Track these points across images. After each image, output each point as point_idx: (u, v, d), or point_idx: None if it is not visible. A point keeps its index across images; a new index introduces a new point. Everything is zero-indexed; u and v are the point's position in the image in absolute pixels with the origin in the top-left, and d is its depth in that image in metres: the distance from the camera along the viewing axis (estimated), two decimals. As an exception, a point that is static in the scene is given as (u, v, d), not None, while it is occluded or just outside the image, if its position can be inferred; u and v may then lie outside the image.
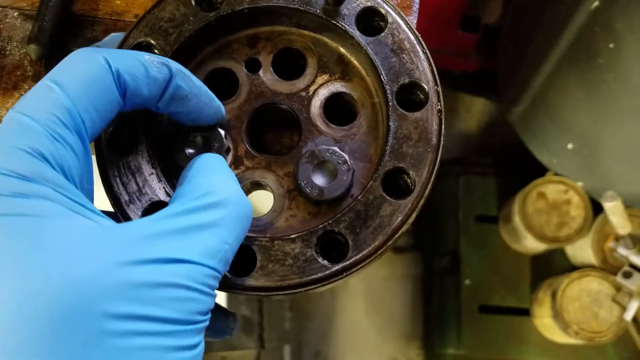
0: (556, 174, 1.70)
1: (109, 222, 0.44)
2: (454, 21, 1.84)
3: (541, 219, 1.65)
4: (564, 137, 1.69)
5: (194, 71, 0.59)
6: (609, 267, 1.61)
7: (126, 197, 0.55)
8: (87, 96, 0.47)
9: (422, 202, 0.53)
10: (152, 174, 0.56)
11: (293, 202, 0.56)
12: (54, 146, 0.43)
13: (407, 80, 0.55)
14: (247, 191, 0.61)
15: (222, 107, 0.57)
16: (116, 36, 0.60)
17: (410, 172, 0.53)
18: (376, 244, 0.51)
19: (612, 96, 1.52)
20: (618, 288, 1.58)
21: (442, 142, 0.54)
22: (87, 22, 0.71)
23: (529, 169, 1.77)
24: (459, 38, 1.88)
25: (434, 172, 0.53)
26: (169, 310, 0.39)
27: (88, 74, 0.47)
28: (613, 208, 1.46)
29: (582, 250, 1.69)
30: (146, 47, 0.59)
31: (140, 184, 0.55)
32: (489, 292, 1.78)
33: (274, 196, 0.56)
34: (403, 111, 0.55)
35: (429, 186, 0.53)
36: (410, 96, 0.56)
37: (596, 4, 1.45)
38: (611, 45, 1.47)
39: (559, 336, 1.68)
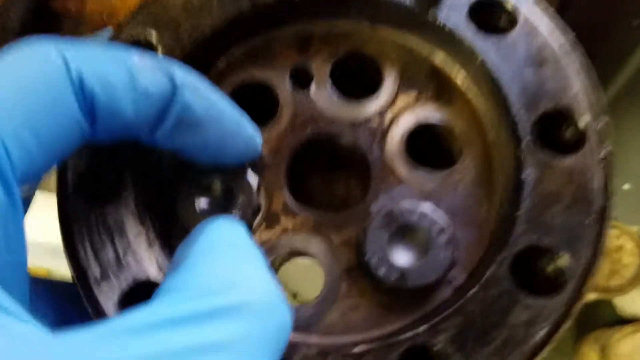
0: (608, 216, 1.51)
1: (38, 332, 0.25)
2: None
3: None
4: (620, 176, 1.50)
5: (214, 83, 0.40)
6: (664, 321, 1.40)
7: (97, 272, 0.37)
8: (19, 112, 0.30)
9: (580, 302, 0.34)
10: (140, 234, 0.38)
11: (354, 287, 0.39)
12: None
13: (551, 107, 0.37)
14: (281, 264, 0.43)
15: (256, 137, 0.39)
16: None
17: (561, 253, 0.35)
18: None
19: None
20: (678, 349, 1.36)
21: (609, 207, 0.35)
22: (70, 21, 0.57)
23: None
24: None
25: (600, 255, 0.35)
26: None
27: (27, 76, 0.31)
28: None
29: (634, 302, 1.49)
30: (146, 46, 0.42)
31: (121, 251, 0.38)
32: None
33: (324, 275, 0.40)
34: (546, 154, 0.36)
35: (592, 277, 0.34)
36: (555, 132, 0.37)
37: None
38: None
39: (609, 399, 1.46)
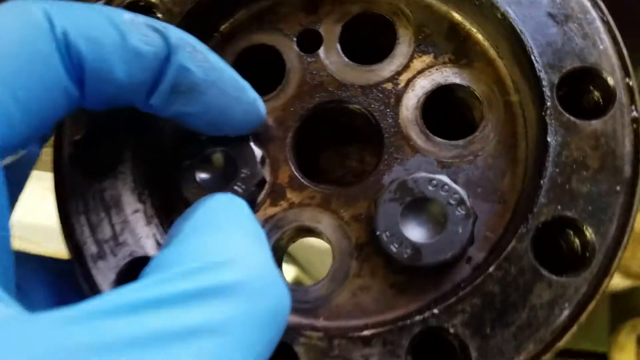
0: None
1: (11, 312, 0.24)
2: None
3: (626, 252, 1.38)
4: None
5: (218, 50, 0.38)
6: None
7: (94, 249, 0.36)
8: None
9: (607, 281, 0.31)
10: (138, 211, 0.36)
11: (365, 266, 0.36)
12: None
13: (576, 66, 0.34)
14: (289, 241, 0.40)
15: (259, 104, 0.37)
16: None
17: (586, 226, 0.32)
18: (522, 359, 0.30)
19: None
20: None
21: (639, 175, 0.32)
22: None
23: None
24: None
25: (629, 228, 0.31)
26: None
27: (7, 34, 0.29)
28: None
29: (671, 289, 1.42)
30: (144, 9, 0.39)
31: (118, 228, 0.36)
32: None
33: (333, 253, 0.37)
34: (571, 118, 0.33)
35: (619, 253, 0.31)
36: (580, 94, 0.35)
37: None
38: None
39: (641, 385, 1.40)
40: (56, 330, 0.22)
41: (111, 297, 0.23)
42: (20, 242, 0.58)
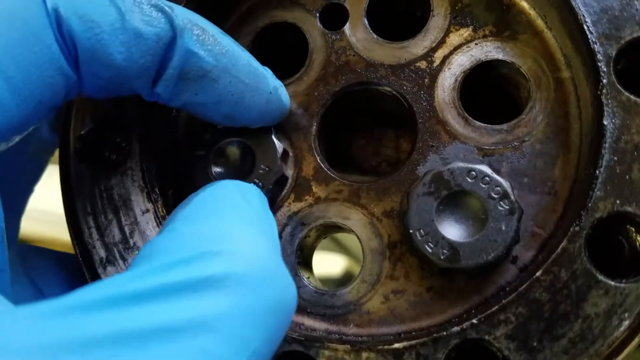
0: None
1: None
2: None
3: None
4: None
5: (233, 31, 0.38)
6: None
7: (102, 253, 0.36)
8: None
9: None
10: (148, 211, 0.36)
11: (399, 266, 0.35)
12: None
13: (637, 35, 0.32)
14: (316, 239, 0.39)
15: (282, 93, 0.36)
16: None
17: None
18: None
19: None
20: None
21: None
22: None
23: None
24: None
25: None
26: None
27: None
28: None
29: None
30: None
31: (127, 230, 0.36)
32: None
33: (363, 253, 0.36)
34: (631, 96, 0.31)
35: None
36: None
37: None
38: None
39: None
40: (33, 326, 0.22)
41: (91, 291, 0.23)
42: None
